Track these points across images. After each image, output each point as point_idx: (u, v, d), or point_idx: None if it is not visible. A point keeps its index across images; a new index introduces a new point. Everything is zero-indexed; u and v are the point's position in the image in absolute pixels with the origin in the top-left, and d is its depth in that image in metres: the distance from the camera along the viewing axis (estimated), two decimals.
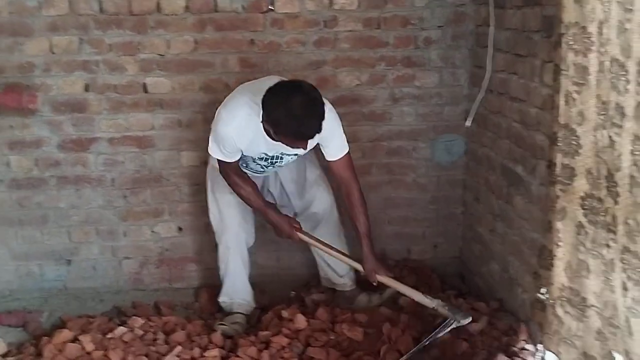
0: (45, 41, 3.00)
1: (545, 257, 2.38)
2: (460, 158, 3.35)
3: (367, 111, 3.25)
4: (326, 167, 2.84)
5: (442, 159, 3.35)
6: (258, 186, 2.86)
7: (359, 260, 2.75)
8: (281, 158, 2.69)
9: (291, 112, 2.28)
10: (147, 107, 3.13)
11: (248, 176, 2.76)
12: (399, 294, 3.02)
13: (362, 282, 3.19)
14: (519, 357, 2.49)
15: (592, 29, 1.97)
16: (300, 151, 2.61)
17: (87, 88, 3.07)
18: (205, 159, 3.14)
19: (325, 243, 2.83)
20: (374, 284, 2.77)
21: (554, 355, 2.42)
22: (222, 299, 3.00)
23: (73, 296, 3.27)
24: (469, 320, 2.56)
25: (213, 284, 3.11)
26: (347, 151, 2.66)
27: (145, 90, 3.11)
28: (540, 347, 2.48)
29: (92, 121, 3.12)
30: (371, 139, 3.29)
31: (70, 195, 3.20)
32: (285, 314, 2.89)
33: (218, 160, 2.66)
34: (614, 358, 1.94)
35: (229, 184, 2.72)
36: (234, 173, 2.69)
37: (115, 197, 3.23)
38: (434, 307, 2.63)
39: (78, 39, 3.01)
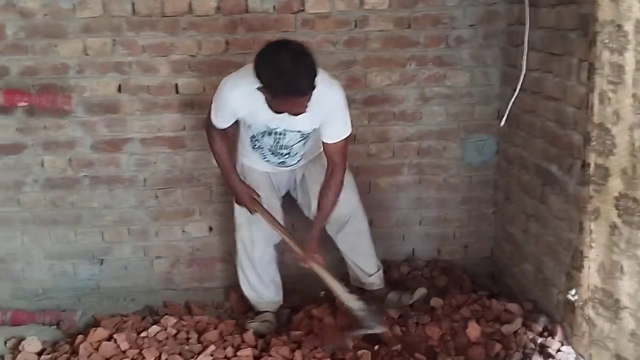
0: (79, 43, 3.04)
1: (577, 258, 2.35)
2: (491, 158, 3.32)
3: (397, 111, 3.24)
4: (350, 167, 2.88)
5: (473, 159, 3.32)
6: (283, 182, 2.90)
7: (299, 242, 2.76)
8: (284, 134, 2.65)
9: (279, 68, 2.25)
10: (179, 107, 3.16)
11: (227, 137, 2.77)
12: (429, 294, 3.02)
13: (393, 282, 3.19)
14: (554, 358, 2.47)
15: (629, 27, 1.94)
16: (304, 126, 2.58)
17: (120, 89, 3.11)
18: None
19: (275, 220, 2.82)
20: (306, 267, 2.75)
21: (581, 358, 2.39)
22: (250, 293, 3.02)
23: (105, 295, 3.31)
24: (383, 331, 2.63)
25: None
26: (345, 137, 2.63)
27: (177, 91, 3.14)
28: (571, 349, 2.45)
29: (125, 122, 3.15)
30: (401, 138, 3.28)
31: (103, 195, 3.24)
32: (316, 313, 2.90)
33: (208, 119, 2.69)
34: None
35: (208, 140, 2.77)
36: (216, 132, 2.71)
37: (147, 197, 3.26)
38: (353, 309, 2.67)
39: (111, 41, 3.05)
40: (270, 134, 2.66)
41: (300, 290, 3.25)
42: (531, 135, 2.88)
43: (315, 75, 2.31)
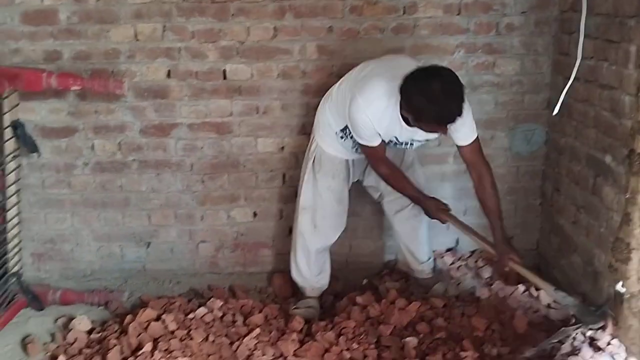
0: (130, 28, 3.08)
1: (621, 250, 2.31)
2: (540, 148, 3.27)
3: None
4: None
5: (521, 149, 3.27)
6: (360, 168, 2.94)
7: (492, 244, 2.75)
8: (411, 144, 2.74)
9: (433, 98, 2.33)
10: (227, 93, 3.18)
11: (395, 165, 2.81)
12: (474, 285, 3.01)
13: (436, 272, 3.18)
14: (604, 351, 2.43)
15: None
16: (432, 136, 2.66)
17: (169, 74, 3.14)
18: (282, 145, 3.20)
19: (467, 226, 2.85)
20: (506, 269, 2.75)
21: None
22: (297, 278, 3.04)
23: (151, 277, 3.36)
24: (601, 325, 2.44)
25: (286, 269, 3.14)
26: (476, 136, 2.66)
27: (225, 77, 3.16)
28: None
29: (174, 107, 3.19)
30: None
31: (151, 179, 3.28)
32: (360, 300, 2.91)
33: (362, 146, 2.69)
34: None
35: (378, 174, 2.79)
36: (384, 162, 2.73)
37: (194, 181, 3.29)
38: (565, 304, 2.59)
39: (162, 26, 3.08)
40: (395, 144, 2.72)
41: (343, 277, 3.26)
42: (584, 125, 2.82)
43: (462, 104, 2.38)
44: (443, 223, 2.87)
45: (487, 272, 3.20)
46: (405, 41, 3.13)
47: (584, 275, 2.82)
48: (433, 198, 2.84)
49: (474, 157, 2.67)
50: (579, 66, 2.75)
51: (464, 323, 2.74)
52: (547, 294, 2.76)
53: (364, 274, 3.31)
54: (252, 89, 3.18)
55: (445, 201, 3.01)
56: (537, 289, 2.84)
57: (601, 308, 2.49)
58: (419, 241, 3.04)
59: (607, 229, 2.59)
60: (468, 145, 2.65)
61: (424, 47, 3.13)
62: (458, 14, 3.09)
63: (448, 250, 3.39)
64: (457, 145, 2.69)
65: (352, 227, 3.17)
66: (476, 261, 3.29)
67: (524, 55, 3.15)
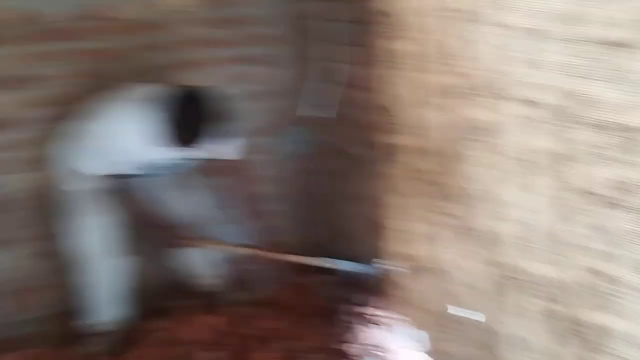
0: None
1: (381, 230, 2.59)
2: (307, 148, 3.48)
3: None
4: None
5: (289, 151, 3.46)
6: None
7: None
8: (174, 166, 2.70)
9: (187, 115, 2.38)
10: None
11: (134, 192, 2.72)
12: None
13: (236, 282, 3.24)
14: (376, 324, 2.69)
15: (397, 17, 2.16)
16: (192, 156, 2.62)
17: None
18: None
19: (218, 241, 2.87)
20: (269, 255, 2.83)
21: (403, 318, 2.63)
22: (83, 321, 2.93)
23: None
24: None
25: (67, 310, 2.98)
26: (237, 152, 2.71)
27: None
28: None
29: None
30: None
31: None
32: (160, 324, 2.90)
33: (105, 176, 2.60)
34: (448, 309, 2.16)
35: (119, 203, 2.68)
36: (121, 189, 2.64)
37: None
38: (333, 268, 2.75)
39: None
40: (154, 168, 2.67)
41: (143, 300, 3.19)
42: (336, 122, 3.08)
43: (222, 121, 2.46)
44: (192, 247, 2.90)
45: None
46: (165, 58, 3.15)
47: (352, 259, 3.08)
48: (172, 225, 2.80)
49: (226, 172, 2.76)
50: (335, 70, 3.00)
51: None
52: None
53: (164, 294, 3.26)
54: (6, 121, 2.98)
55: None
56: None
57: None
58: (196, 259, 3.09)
59: (363, 215, 2.87)
60: (225, 158, 2.71)
61: (183, 63, 3.18)
62: (212, 28, 3.19)
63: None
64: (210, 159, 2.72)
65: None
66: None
67: (279, 63, 3.34)
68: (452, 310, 2.13)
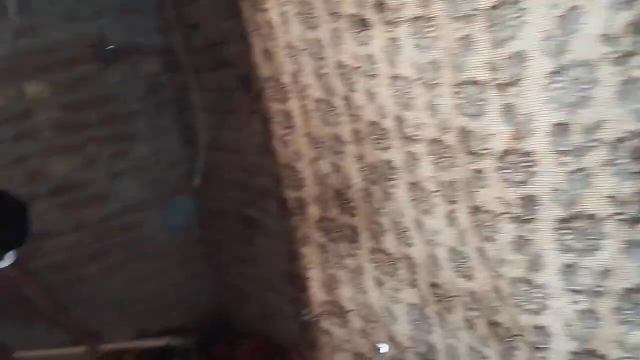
0: None
1: (298, 282, 2.63)
2: (192, 217, 3.46)
3: (88, 194, 3.17)
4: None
5: (175, 223, 3.41)
6: None
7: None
8: None
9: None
10: None
11: None
12: None
13: None
14: None
15: (286, 79, 2.28)
16: None
17: None
18: None
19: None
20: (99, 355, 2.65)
21: None
22: None
23: None
24: None
25: None
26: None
27: None
28: None
29: None
30: (100, 220, 3.21)
31: None
32: None
33: None
34: (380, 349, 2.25)
35: None
36: None
37: None
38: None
39: None
40: None
41: None
42: (224, 188, 3.11)
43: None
44: None
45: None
46: (30, 147, 3.00)
47: (263, 319, 3.10)
48: None
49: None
50: (208, 137, 3.04)
51: None
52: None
53: None
54: None
55: (117, 295, 2.94)
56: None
57: None
58: None
59: (271, 272, 2.91)
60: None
61: (52, 148, 3.05)
62: (78, 111, 3.10)
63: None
64: None
65: None
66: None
67: (154, 136, 3.31)
68: (384, 348, 2.22)
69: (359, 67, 1.85)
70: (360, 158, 2.02)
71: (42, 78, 3.00)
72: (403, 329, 2.09)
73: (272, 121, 2.44)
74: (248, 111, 2.69)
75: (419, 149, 1.71)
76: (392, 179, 1.86)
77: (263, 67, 2.38)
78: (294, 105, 2.28)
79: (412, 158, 1.75)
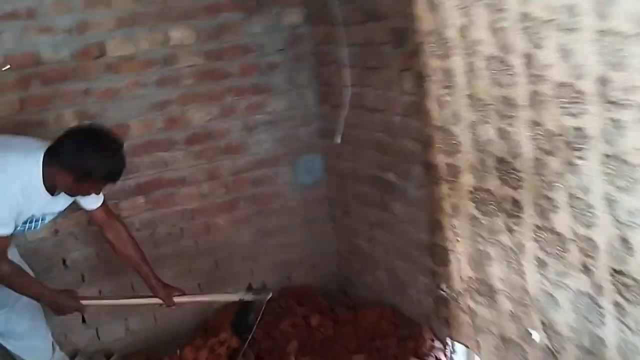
0: None
1: (440, 255, 2.48)
2: (321, 176, 3.37)
3: (223, 145, 3.14)
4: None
5: (304, 181, 3.34)
6: None
7: (150, 295, 2.63)
8: (43, 219, 2.45)
9: (104, 154, 2.22)
10: None
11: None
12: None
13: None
14: (430, 356, 2.57)
15: (451, 33, 2.09)
16: (63, 205, 2.44)
17: None
18: None
19: (111, 296, 2.88)
20: (173, 307, 2.67)
21: (463, 346, 2.53)
22: None
23: None
24: (270, 295, 2.73)
25: None
26: (103, 199, 2.52)
27: None
28: (449, 341, 2.57)
29: None
30: (232, 172, 3.18)
31: None
32: None
33: None
34: (531, 335, 2.06)
35: None
36: (5, 258, 2.30)
37: None
38: (240, 299, 2.74)
39: None
40: (30, 221, 2.40)
41: (154, 353, 2.99)
42: (360, 148, 2.97)
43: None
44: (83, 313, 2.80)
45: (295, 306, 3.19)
46: (171, 93, 3.00)
47: (390, 288, 2.97)
48: (64, 291, 2.51)
49: (106, 217, 2.56)
50: (346, 93, 2.90)
51: None
52: (226, 300, 2.98)
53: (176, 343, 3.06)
54: None
55: (244, 246, 2.92)
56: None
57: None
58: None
59: (403, 240, 2.76)
60: (99, 207, 2.52)
61: (192, 95, 3.04)
62: (220, 60, 3.05)
63: None
64: (86, 210, 2.53)
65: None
66: (286, 299, 3.25)
67: (290, 90, 3.22)
68: (535, 335, 2.03)
69: (551, 20, 1.63)
70: (536, 124, 1.81)
71: (187, 23, 2.96)
72: (565, 317, 1.89)
73: (428, 79, 2.27)
74: (398, 68, 2.52)
75: (626, 115, 1.47)
76: (579, 148, 1.64)
77: (425, 20, 2.20)
78: (457, 62, 2.09)
79: (615, 126, 1.52)
